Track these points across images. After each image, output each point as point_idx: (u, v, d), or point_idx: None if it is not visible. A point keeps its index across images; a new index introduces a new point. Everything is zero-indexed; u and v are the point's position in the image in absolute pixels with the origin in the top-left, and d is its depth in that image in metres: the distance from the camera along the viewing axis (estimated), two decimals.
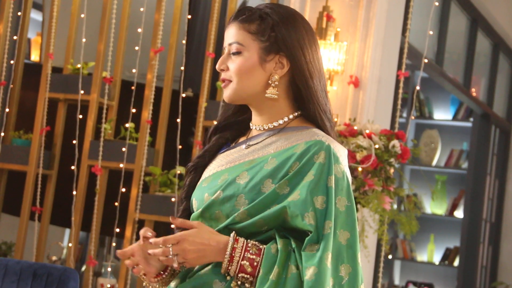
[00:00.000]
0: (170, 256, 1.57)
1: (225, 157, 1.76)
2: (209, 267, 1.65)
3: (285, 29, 1.69)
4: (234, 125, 1.82)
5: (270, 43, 1.69)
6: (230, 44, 1.72)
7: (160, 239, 1.59)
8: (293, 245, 1.59)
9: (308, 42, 1.72)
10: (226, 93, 1.73)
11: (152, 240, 1.60)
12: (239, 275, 1.59)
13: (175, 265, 1.58)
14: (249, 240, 1.61)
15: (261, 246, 1.60)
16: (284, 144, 1.69)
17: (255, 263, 1.58)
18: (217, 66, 1.73)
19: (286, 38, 1.69)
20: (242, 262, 1.58)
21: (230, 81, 1.71)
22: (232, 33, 1.72)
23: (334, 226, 1.59)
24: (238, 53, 1.70)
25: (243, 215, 1.63)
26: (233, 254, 1.58)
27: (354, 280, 1.59)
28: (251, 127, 1.78)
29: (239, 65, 1.69)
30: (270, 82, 1.70)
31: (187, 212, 1.78)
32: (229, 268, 1.59)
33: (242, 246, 1.59)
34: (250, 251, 1.59)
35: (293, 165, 1.64)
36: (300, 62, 1.69)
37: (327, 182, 1.61)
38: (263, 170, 1.65)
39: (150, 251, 1.59)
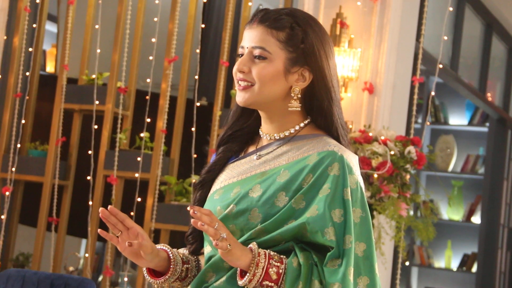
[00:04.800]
0: (219, 239, 1.53)
1: (236, 168, 1.73)
2: (223, 278, 1.63)
3: (314, 42, 1.66)
4: (240, 136, 1.77)
5: (297, 55, 1.66)
6: (254, 48, 1.66)
7: (208, 214, 1.53)
8: (315, 259, 1.58)
9: (331, 52, 1.70)
10: (244, 96, 1.67)
11: (196, 211, 1.53)
12: (264, 282, 1.56)
13: (220, 250, 1.54)
14: (269, 250, 1.59)
15: (281, 256, 1.59)
16: (295, 154, 1.67)
17: (280, 271, 1.56)
18: (237, 67, 1.67)
19: (315, 52, 1.66)
20: (269, 270, 1.56)
21: (251, 84, 1.66)
22: (258, 36, 1.66)
23: None
24: (263, 58, 1.65)
25: (260, 231, 1.61)
26: (259, 259, 1.56)
27: None
28: (260, 135, 1.75)
29: (265, 71, 1.65)
30: (292, 94, 1.66)
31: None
32: (255, 273, 1.55)
33: (266, 254, 1.57)
34: (274, 258, 1.57)
35: (306, 177, 1.62)
36: (325, 77, 1.67)
37: (343, 195, 1.60)
38: (276, 182, 1.63)
39: (199, 224, 1.52)
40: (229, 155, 1.78)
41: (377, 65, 3.91)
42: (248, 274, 1.56)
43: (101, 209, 1.62)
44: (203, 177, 1.78)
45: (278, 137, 1.71)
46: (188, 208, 1.57)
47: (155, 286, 1.73)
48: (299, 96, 1.67)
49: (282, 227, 1.60)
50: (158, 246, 1.71)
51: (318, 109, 1.69)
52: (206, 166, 1.80)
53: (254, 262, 1.55)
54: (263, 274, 1.55)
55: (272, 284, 1.56)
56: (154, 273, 1.73)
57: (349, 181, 1.61)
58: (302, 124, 1.71)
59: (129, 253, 1.65)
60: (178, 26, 4.25)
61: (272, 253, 1.58)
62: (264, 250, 1.58)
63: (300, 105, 1.68)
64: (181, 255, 1.74)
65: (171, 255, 1.71)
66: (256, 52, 1.66)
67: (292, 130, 1.70)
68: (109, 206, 1.63)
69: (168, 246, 1.73)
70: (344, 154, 1.64)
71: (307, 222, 1.57)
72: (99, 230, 1.65)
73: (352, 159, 1.66)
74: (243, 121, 1.78)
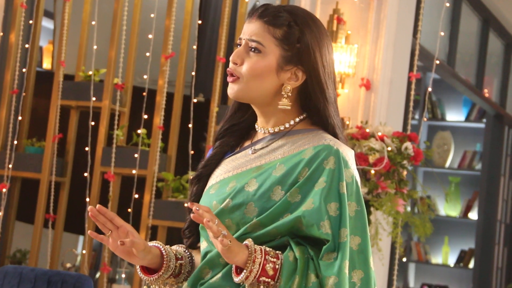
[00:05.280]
0: (220, 236, 1.52)
1: (231, 162, 1.74)
2: (219, 275, 1.63)
3: (310, 43, 1.66)
4: (237, 131, 1.78)
5: (292, 54, 1.66)
6: (250, 41, 1.66)
7: (208, 211, 1.54)
8: (311, 253, 1.58)
9: (328, 53, 1.69)
10: (233, 89, 1.68)
11: (197, 208, 1.52)
12: (261, 278, 1.56)
13: (219, 246, 1.53)
14: (265, 246, 1.59)
15: (277, 251, 1.59)
16: (291, 149, 1.67)
17: (277, 266, 1.56)
18: (232, 58, 1.68)
19: (310, 53, 1.66)
20: (266, 266, 1.55)
21: (238, 77, 1.67)
22: (255, 30, 1.66)
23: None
24: (258, 51, 1.66)
25: (255, 225, 1.61)
26: (255, 255, 1.55)
27: (367, 285, 1.59)
28: (256, 129, 1.75)
29: (255, 65, 1.65)
30: (283, 93, 1.66)
31: (195, 222, 1.76)
32: (252, 270, 1.55)
33: (262, 250, 1.57)
34: (270, 254, 1.57)
35: (302, 171, 1.62)
36: (319, 78, 1.67)
37: (339, 189, 1.60)
38: (271, 176, 1.63)
39: (205, 221, 1.51)
40: (226, 150, 1.78)
41: (374, 61, 3.91)
42: (245, 270, 1.55)
43: (89, 207, 1.62)
44: (199, 172, 1.78)
45: (272, 131, 1.71)
46: (188, 204, 1.57)
47: (148, 283, 1.73)
48: (290, 94, 1.67)
49: (277, 220, 1.60)
50: (151, 244, 1.71)
51: (314, 109, 1.69)
52: (202, 161, 1.80)
53: (250, 259, 1.55)
54: (260, 270, 1.55)
55: (269, 279, 1.56)
56: (147, 270, 1.72)
57: (344, 175, 1.61)
58: (297, 119, 1.71)
59: (121, 252, 1.65)
60: (175, 22, 4.25)
61: (268, 249, 1.58)
62: (260, 246, 1.58)
63: (291, 103, 1.68)
64: (174, 252, 1.74)
65: (163, 251, 1.70)
66: (252, 44, 1.66)
67: (287, 125, 1.70)
68: (97, 205, 1.63)
69: (161, 243, 1.72)
70: (340, 148, 1.64)
71: (303, 215, 1.58)
72: (89, 232, 1.64)
73: (348, 153, 1.66)
74: (240, 115, 1.78)
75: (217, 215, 1.65)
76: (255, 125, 1.75)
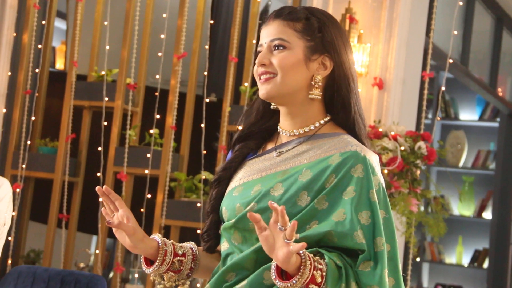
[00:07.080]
0: (282, 228, 1.44)
1: (255, 165, 1.72)
2: (245, 282, 1.60)
3: (331, 31, 1.68)
4: (257, 133, 1.77)
5: (315, 43, 1.67)
6: (272, 40, 1.67)
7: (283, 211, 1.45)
8: (348, 261, 1.56)
9: (348, 44, 1.72)
10: (267, 88, 1.66)
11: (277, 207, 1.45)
12: (309, 286, 1.50)
13: (286, 250, 1.44)
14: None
15: (316, 257, 1.53)
16: (317, 153, 1.65)
17: (323, 273, 1.51)
18: (258, 60, 1.67)
19: (333, 39, 1.68)
20: (315, 273, 1.50)
21: (274, 74, 1.66)
22: (275, 30, 1.67)
23: None
24: (282, 48, 1.66)
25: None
26: (306, 260, 1.49)
27: None
28: (279, 131, 1.73)
29: (286, 60, 1.65)
30: (313, 83, 1.67)
31: (215, 226, 1.75)
32: (302, 274, 1.48)
33: (309, 255, 1.51)
34: (316, 260, 1.52)
35: (329, 177, 1.60)
36: (344, 64, 1.69)
37: (369, 197, 1.58)
38: (298, 182, 1.62)
39: (281, 208, 1.44)
40: (246, 152, 1.77)
41: (387, 60, 3.90)
42: (298, 276, 1.48)
43: (97, 187, 1.65)
44: (219, 175, 1.76)
45: (297, 133, 1.70)
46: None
47: (152, 275, 1.72)
48: (320, 84, 1.67)
49: (304, 227, 1.58)
50: (152, 236, 1.71)
51: (337, 97, 1.69)
52: (222, 164, 1.79)
53: (305, 264, 1.49)
54: (310, 276, 1.50)
55: (316, 287, 1.51)
56: (151, 262, 1.72)
57: (373, 182, 1.60)
58: (322, 121, 1.70)
59: (118, 234, 1.67)
60: (187, 22, 4.25)
61: (311, 254, 1.52)
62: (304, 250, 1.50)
63: (321, 93, 1.68)
64: (178, 247, 1.73)
65: (160, 244, 1.70)
66: (275, 43, 1.67)
67: (312, 127, 1.70)
68: (104, 186, 1.67)
69: (160, 236, 1.72)
70: (367, 155, 1.63)
71: (335, 228, 1.55)
72: (102, 209, 1.68)
73: (374, 159, 1.65)
74: (262, 122, 1.77)
75: (241, 218, 1.64)
76: (278, 127, 1.74)
